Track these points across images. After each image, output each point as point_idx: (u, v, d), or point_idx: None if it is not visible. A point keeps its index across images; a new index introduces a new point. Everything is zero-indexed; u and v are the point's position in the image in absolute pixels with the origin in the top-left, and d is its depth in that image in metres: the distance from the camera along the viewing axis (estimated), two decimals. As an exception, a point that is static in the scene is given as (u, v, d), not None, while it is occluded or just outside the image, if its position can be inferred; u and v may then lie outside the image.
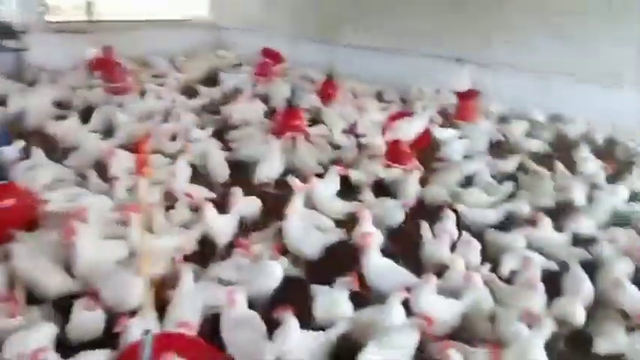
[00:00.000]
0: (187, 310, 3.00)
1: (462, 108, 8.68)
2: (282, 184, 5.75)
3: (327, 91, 9.34)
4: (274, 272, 3.44)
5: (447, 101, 9.65)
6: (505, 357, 2.88)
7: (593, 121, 8.96)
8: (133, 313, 3.06)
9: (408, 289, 3.39)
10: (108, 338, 2.99)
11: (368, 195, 5.15)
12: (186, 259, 3.74)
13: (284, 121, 6.87)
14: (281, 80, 10.11)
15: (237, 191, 4.62)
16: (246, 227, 4.70)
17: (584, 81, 9.59)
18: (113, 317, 3.02)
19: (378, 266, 3.71)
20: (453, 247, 4.23)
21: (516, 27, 10.14)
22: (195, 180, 5.32)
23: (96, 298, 3.10)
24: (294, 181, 4.88)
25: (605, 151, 7.88)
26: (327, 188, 5.09)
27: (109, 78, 7.96)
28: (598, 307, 3.72)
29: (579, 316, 3.40)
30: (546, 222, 4.59)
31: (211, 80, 10.07)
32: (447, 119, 8.66)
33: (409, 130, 5.84)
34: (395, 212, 4.61)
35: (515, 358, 2.84)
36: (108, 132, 6.57)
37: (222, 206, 4.51)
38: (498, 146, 7.70)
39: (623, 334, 3.37)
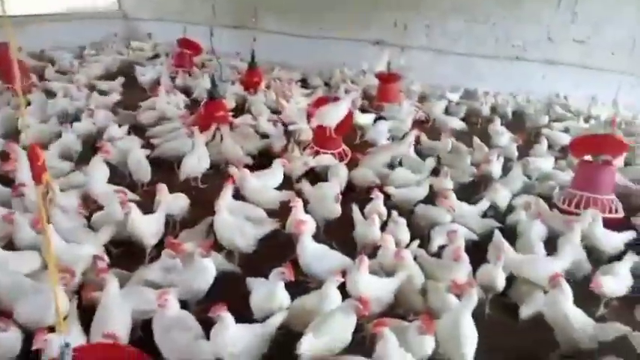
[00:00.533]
0: (115, 319, 2.84)
1: (384, 90, 8.91)
2: (209, 178, 5.61)
3: (250, 79, 9.19)
4: (206, 270, 3.34)
5: (370, 83, 9.90)
6: (437, 327, 3.02)
7: (504, 95, 9.64)
8: (52, 328, 2.84)
9: (344, 273, 3.46)
10: (27, 357, 2.77)
11: (301, 183, 5.14)
12: (112, 264, 3.55)
13: (207, 113, 6.66)
14: (201, 71, 9.78)
15: (162, 189, 4.42)
16: (174, 225, 4.55)
17: (495, 58, 10.29)
18: (31, 334, 2.79)
19: (313, 253, 3.73)
20: (384, 227, 4.36)
21: (432, 11, 10.56)
22: (116, 180, 5.03)
23: (7, 316, 2.84)
24: (233, 170, 4.83)
25: (515, 124, 8.45)
26: (269, 181, 5.04)
27: (6, 77, 7.23)
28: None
29: (500, 283, 3.63)
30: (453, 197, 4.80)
31: (125, 74, 9.50)
32: (371, 102, 8.90)
33: (334, 115, 5.86)
34: (329, 199, 4.64)
35: (446, 327, 2.98)
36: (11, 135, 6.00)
37: (146, 206, 4.31)
38: (421, 125, 7.99)
39: (542, 296, 3.64)
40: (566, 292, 3.27)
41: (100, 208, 4.39)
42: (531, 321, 3.53)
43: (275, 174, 5.17)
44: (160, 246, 3.95)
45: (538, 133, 7.69)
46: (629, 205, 5.31)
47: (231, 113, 7.34)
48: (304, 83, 10.42)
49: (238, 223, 4.05)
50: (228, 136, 6.04)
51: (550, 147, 7.07)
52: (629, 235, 4.50)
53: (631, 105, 8.99)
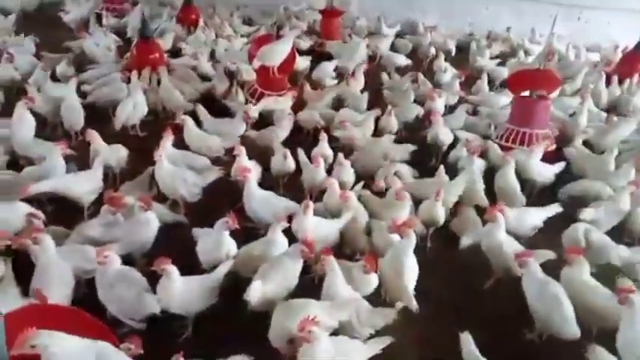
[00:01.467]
0: (53, 279, 2.75)
1: (327, 26, 8.63)
2: (148, 125, 5.36)
3: (188, 16, 8.61)
4: (149, 223, 3.26)
5: (316, 18, 9.56)
6: (381, 265, 3.16)
7: (449, 31, 9.63)
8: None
9: (290, 217, 3.49)
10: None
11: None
12: (49, 222, 3.39)
13: (139, 55, 6.20)
14: (135, 9, 9.02)
15: (94, 136, 4.19)
16: (114, 178, 4.37)
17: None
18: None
19: (259, 199, 3.72)
20: (330, 170, 4.40)
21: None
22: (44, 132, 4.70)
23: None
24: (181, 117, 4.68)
25: (459, 60, 8.51)
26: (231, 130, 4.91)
27: None
28: (461, 205, 4.20)
29: (440, 217, 3.81)
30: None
31: (46, 14, 8.63)
32: (315, 39, 8.62)
33: (276, 54, 5.63)
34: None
35: (390, 264, 3.11)
36: None
37: (84, 158, 4.08)
38: (368, 63, 7.88)
39: (480, 226, 3.86)
40: (501, 224, 3.47)
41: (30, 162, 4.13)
42: (470, 252, 3.75)
43: (239, 124, 5.01)
44: (100, 200, 3.80)
45: (481, 69, 7.80)
46: (562, 137, 5.58)
47: (167, 54, 6.92)
48: (248, 22, 9.89)
49: (181, 173, 3.94)
50: (166, 79, 5.72)
51: (491, 82, 7.23)
52: (560, 166, 4.79)
53: (568, 37, 9.27)
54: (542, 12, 9.27)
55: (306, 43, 8.34)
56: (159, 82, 5.71)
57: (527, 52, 8.82)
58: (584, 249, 3.47)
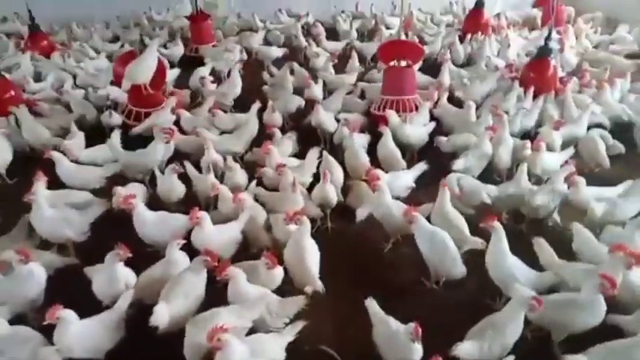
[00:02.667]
0: None
1: (197, 31, 8.48)
2: (16, 170, 4.94)
3: (37, 44, 7.95)
4: (33, 276, 3.06)
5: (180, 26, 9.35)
6: (284, 255, 3.27)
7: (318, 16, 9.93)
8: None
9: (190, 232, 3.47)
10: None
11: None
12: None
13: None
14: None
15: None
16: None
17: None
18: None
19: (151, 222, 3.63)
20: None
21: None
22: None
23: None
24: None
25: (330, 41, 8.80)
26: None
27: None
28: (352, 180, 4.43)
29: (332, 198, 4.01)
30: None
31: None
32: (186, 45, 8.43)
33: (144, 69, 5.42)
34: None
35: (291, 254, 3.23)
36: None
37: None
38: (246, 63, 7.85)
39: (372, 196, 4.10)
40: (384, 190, 3.74)
41: None
42: (366, 224, 4.01)
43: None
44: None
45: (351, 48, 8.15)
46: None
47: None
48: (114, 39, 9.32)
49: (62, 214, 3.71)
50: (28, 117, 5.28)
51: (362, 60, 7.61)
52: (431, 126, 5.23)
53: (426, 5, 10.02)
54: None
55: (179, 50, 8.13)
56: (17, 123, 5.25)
57: (387, 26, 9.30)
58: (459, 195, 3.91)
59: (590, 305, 2.73)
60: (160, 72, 5.72)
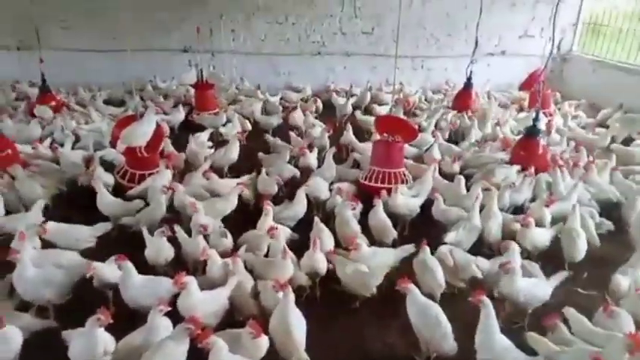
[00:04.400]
0: None
1: (201, 99, 8.80)
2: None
3: (45, 104, 8.19)
4: (7, 340, 2.95)
5: (185, 93, 9.72)
6: (270, 325, 3.18)
7: (315, 87, 10.42)
8: None
9: (176, 296, 3.39)
10: None
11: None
12: None
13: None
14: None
15: None
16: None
17: (300, 55, 10.96)
18: None
19: (137, 286, 3.55)
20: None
21: (235, 14, 10.70)
22: None
23: None
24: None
25: (326, 115, 9.14)
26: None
27: None
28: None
29: (322, 266, 3.98)
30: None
31: None
32: (191, 111, 8.71)
33: (140, 133, 5.57)
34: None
35: (277, 322, 3.14)
36: None
37: None
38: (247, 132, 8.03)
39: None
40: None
41: None
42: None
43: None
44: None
45: (347, 121, 8.45)
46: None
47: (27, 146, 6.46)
48: (119, 103, 9.62)
49: (44, 274, 3.63)
50: (22, 174, 5.33)
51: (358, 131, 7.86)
52: (422, 198, 5.30)
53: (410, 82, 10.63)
54: (389, 64, 10.40)
55: (180, 116, 8.39)
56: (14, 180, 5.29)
57: (381, 103, 9.68)
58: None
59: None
60: (158, 136, 5.86)
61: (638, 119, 7.20)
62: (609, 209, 5.40)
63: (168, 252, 4.18)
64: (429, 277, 3.83)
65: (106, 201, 4.97)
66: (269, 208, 4.63)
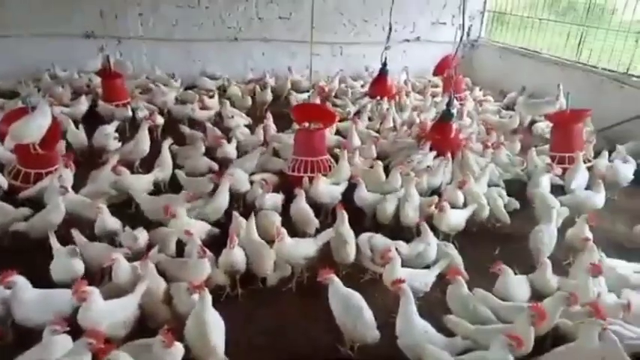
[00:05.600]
0: None
1: (109, 88, 8.11)
2: None
3: None
4: None
5: (85, 83, 8.92)
6: (185, 331, 2.96)
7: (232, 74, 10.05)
8: None
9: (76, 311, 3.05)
10: None
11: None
12: None
13: None
14: None
15: None
16: None
17: (215, 41, 10.51)
18: None
19: (32, 301, 3.16)
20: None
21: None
22: None
23: None
24: None
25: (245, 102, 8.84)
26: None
27: None
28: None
29: (241, 263, 3.80)
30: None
31: None
32: (94, 102, 7.99)
33: (32, 128, 4.96)
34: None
35: (192, 329, 2.94)
36: None
37: None
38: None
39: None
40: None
41: None
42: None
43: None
44: None
45: (266, 109, 8.24)
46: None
47: None
48: (10, 95, 8.53)
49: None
50: None
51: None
52: (344, 186, 5.27)
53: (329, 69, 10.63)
54: (307, 51, 10.30)
55: (82, 107, 7.67)
56: None
57: (297, 90, 9.52)
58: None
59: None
60: (54, 131, 5.28)
61: (539, 104, 7.72)
62: (516, 188, 5.70)
63: (77, 267, 3.66)
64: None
65: None
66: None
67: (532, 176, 5.58)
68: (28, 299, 3.16)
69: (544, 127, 7.64)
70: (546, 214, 4.52)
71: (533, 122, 8.17)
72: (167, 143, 5.68)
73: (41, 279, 3.42)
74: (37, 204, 4.59)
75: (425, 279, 3.72)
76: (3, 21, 8.19)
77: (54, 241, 3.78)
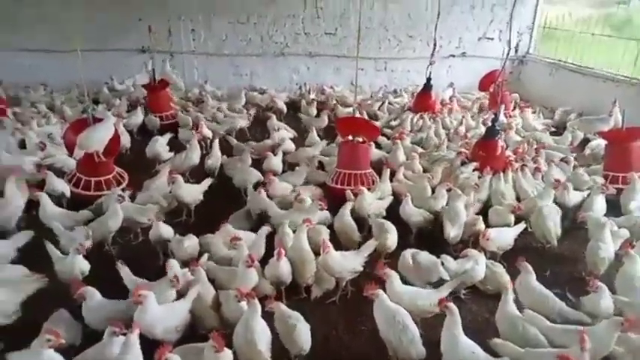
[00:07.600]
0: None
1: (154, 99, 8.47)
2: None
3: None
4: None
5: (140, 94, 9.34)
6: (233, 337, 3.05)
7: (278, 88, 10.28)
8: None
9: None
10: None
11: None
12: None
13: None
14: None
15: None
16: None
17: (262, 55, 10.80)
18: None
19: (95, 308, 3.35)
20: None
21: (195, 14, 10.40)
22: None
23: None
24: None
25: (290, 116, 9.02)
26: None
27: None
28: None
29: (284, 274, 3.86)
30: None
31: None
32: (146, 113, 8.37)
33: (98, 138, 5.30)
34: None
35: (241, 335, 3.02)
36: None
37: None
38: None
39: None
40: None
41: None
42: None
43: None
44: None
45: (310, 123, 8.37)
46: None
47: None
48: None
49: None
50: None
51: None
52: (389, 200, 5.27)
53: (373, 84, 10.69)
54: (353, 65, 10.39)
55: (138, 119, 8.08)
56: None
57: (345, 104, 9.58)
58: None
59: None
60: (115, 141, 5.59)
61: (592, 121, 7.45)
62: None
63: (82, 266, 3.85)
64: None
65: (49, 212, 4.62)
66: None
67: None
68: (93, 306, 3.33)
69: (595, 145, 7.35)
70: (600, 234, 4.36)
71: (586, 140, 7.87)
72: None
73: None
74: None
75: (430, 298, 3.56)
76: (64, 35, 8.76)
77: (51, 248, 3.91)
